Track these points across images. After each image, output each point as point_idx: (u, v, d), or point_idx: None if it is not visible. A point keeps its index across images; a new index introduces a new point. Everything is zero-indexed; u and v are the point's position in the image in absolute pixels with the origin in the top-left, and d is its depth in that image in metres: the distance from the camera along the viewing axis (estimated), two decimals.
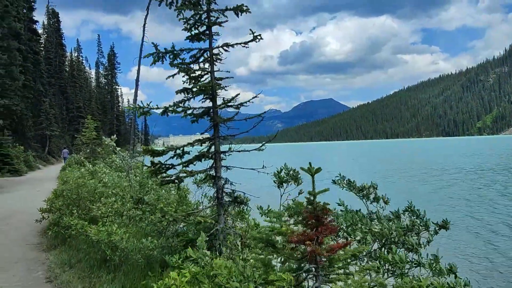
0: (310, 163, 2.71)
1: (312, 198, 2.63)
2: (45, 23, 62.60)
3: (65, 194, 8.82)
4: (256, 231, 3.31)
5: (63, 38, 66.14)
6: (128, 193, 8.38)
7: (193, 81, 5.35)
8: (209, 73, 5.29)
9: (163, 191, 8.50)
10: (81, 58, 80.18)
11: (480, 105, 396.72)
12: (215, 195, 5.37)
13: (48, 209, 8.88)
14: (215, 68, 5.32)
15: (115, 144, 11.06)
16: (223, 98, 5.21)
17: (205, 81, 5.24)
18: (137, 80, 24.50)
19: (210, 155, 5.22)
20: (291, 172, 6.45)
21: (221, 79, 5.30)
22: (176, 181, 5.28)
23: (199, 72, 5.32)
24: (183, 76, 5.36)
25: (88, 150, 25.37)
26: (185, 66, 5.20)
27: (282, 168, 6.50)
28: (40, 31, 54.44)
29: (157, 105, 4.84)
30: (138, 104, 4.76)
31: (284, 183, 6.30)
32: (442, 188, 25.95)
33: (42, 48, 53.62)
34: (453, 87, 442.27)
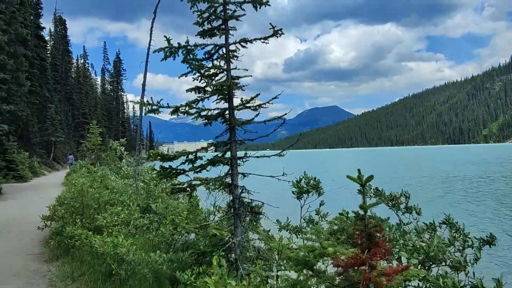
0: (359, 170, 2.25)
1: (362, 212, 2.16)
2: (52, 30, 63.09)
3: (67, 202, 8.40)
4: (288, 249, 2.84)
5: (69, 45, 66.66)
6: (135, 200, 7.93)
7: (207, 79, 4.91)
8: (225, 71, 4.86)
9: (171, 200, 8.04)
10: (87, 65, 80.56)
11: (486, 112, 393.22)
12: (230, 204, 4.90)
13: (51, 217, 8.48)
14: (231, 66, 4.89)
15: (123, 149, 10.62)
16: (242, 98, 4.75)
17: (220, 80, 4.79)
18: (143, 84, 24.24)
19: (226, 161, 4.76)
20: (311, 182, 5.98)
21: (238, 78, 4.85)
22: (188, 189, 4.82)
23: (213, 70, 4.89)
24: (194, 74, 4.93)
25: (93, 156, 25.10)
26: (198, 63, 4.77)
27: (301, 177, 6.03)
28: (47, 38, 54.79)
29: (168, 104, 4.40)
30: (147, 100, 4.33)
31: (304, 194, 5.81)
32: (446, 195, 25.45)
33: (48, 55, 53.86)
34: (458, 95, 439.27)
